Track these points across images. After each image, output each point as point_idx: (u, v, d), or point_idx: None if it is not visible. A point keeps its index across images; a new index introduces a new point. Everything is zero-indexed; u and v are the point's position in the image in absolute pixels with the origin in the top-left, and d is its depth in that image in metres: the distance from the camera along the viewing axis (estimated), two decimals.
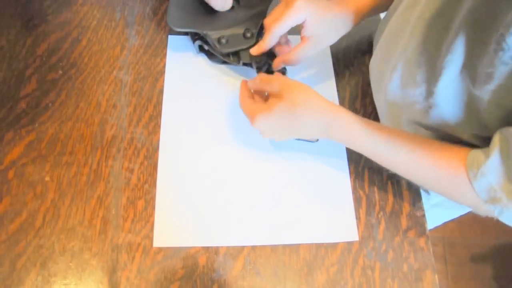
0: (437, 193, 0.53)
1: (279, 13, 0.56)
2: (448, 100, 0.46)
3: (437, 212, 0.75)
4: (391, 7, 0.59)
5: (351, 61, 0.69)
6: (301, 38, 0.59)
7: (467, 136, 0.49)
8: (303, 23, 0.57)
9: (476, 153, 0.44)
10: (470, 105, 0.44)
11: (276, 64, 0.60)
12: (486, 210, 0.45)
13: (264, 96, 0.58)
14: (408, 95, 0.51)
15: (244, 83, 0.58)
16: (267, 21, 0.58)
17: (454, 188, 0.47)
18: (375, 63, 0.60)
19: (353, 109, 0.64)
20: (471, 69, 0.41)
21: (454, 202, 0.53)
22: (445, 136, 0.51)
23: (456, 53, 0.41)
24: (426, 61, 0.46)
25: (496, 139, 0.41)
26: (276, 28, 0.56)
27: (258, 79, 0.56)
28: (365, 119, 0.52)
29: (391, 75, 0.52)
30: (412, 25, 0.47)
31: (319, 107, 0.52)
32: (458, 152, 0.46)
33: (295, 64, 0.60)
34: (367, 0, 0.60)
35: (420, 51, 0.46)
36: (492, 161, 0.41)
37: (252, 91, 0.58)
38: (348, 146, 0.55)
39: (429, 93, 0.47)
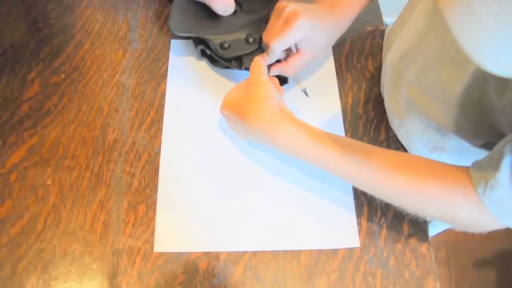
0: (406, 210, 0.51)
1: (279, 29, 0.54)
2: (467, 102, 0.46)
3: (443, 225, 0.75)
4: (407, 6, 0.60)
5: (354, 66, 0.69)
6: (297, 50, 0.58)
7: (481, 143, 0.48)
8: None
9: (480, 167, 0.43)
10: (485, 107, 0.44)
11: (272, 70, 0.59)
12: (480, 223, 0.44)
13: None
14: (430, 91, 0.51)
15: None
16: (266, 37, 0.56)
17: (446, 205, 0.45)
18: (392, 61, 0.60)
19: (356, 114, 0.64)
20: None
21: None
22: (460, 144, 0.51)
23: None
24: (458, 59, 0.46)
25: (503, 150, 0.40)
26: (277, 45, 0.54)
27: (252, 62, 0.56)
28: (317, 130, 0.51)
29: (415, 72, 0.53)
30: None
31: (268, 114, 0.50)
32: (431, 163, 0.46)
33: (290, 75, 0.60)
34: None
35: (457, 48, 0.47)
36: (502, 174, 0.39)
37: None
38: (298, 158, 0.52)
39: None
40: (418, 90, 0.53)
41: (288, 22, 0.53)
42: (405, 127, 0.59)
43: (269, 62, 0.58)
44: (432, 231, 0.81)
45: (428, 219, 0.52)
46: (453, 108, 0.48)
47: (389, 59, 0.61)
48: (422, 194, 0.46)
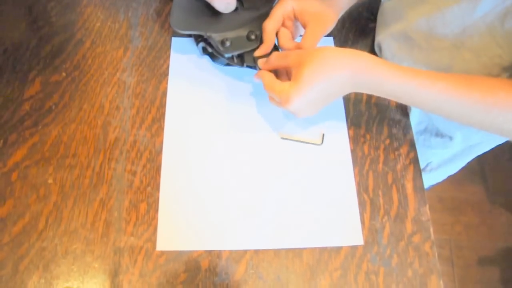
0: (479, 126, 0.51)
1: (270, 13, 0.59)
2: None
3: (440, 172, 0.78)
4: None
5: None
6: (303, 27, 0.60)
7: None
8: (295, 14, 0.59)
9: None
10: None
11: None
12: None
13: (287, 75, 0.58)
14: None
15: (262, 71, 0.58)
16: (263, 24, 0.60)
17: (505, 114, 0.46)
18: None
19: (358, 111, 0.63)
20: None
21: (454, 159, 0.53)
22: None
23: None
24: None
25: None
26: (267, 25, 0.59)
27: (274, 57, 0.56)
28: (389, 62, 0.51)
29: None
30: None
31: (342, 56, 0.51)
32: (498, 79, 0.47)
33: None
34: None
35: None
36: None
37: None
38: (375, 91, 0.53)
39: None
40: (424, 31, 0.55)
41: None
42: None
43: (268, 49, 0.59)
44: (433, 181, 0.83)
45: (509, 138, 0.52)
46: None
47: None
48: (497, 108, 0.47)
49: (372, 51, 0.69)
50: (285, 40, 0.60)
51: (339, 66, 0.51)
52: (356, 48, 0.69)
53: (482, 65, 0.52)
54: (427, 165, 0.76)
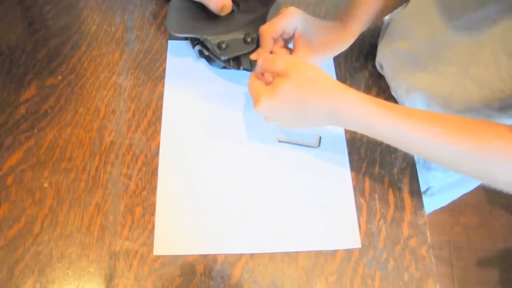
0: (473, 175, 0.49)
1: (273, 19, 0.58)
2: None
3: (442, 197, 0.78)
4: None
5: (353, 65, 0.68)
6: (293, 47, 0.60)
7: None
8: (296, 31, 0.59)
9: None
10: None
11: None
12: None
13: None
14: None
15: (251, 75, 0.57)
16: (261, 28, 0.59)
17: (501, 164, 0.44)
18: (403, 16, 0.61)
19: None
20: None
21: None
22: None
23: None
24: None
25: None
26: (268, 30, 0.58)
27: (262, 60, 0.54)
28: (379, 99, 0.49)
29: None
30: None
31: (327, 86, 0.49)
32: (496, 126, 0.44)
33: None
34: (364, 14, 0.60)
35: None
36: None
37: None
38: (360, 131, 0.51)
39: None
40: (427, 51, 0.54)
41: (281, 12, 0.58)
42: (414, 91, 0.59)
43: (265, 53, 0.59)
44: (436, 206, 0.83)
45: (504, 188, 0.48)
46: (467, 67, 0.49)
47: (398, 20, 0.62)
48: (493, 157, 0.44)
49: (374, 68, 0.68)
50: (278, 47, 0.60)
51: (319, 97, 0.49)
52: (357, 65, 0.68)
53: (483, 97, 0.50)
54: (428, 188, 0.74)
